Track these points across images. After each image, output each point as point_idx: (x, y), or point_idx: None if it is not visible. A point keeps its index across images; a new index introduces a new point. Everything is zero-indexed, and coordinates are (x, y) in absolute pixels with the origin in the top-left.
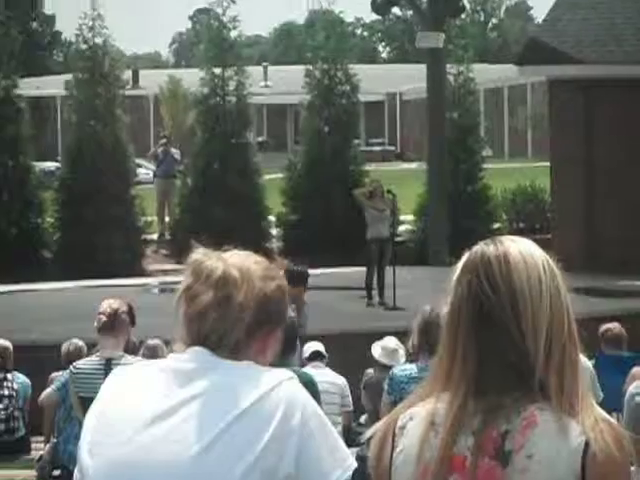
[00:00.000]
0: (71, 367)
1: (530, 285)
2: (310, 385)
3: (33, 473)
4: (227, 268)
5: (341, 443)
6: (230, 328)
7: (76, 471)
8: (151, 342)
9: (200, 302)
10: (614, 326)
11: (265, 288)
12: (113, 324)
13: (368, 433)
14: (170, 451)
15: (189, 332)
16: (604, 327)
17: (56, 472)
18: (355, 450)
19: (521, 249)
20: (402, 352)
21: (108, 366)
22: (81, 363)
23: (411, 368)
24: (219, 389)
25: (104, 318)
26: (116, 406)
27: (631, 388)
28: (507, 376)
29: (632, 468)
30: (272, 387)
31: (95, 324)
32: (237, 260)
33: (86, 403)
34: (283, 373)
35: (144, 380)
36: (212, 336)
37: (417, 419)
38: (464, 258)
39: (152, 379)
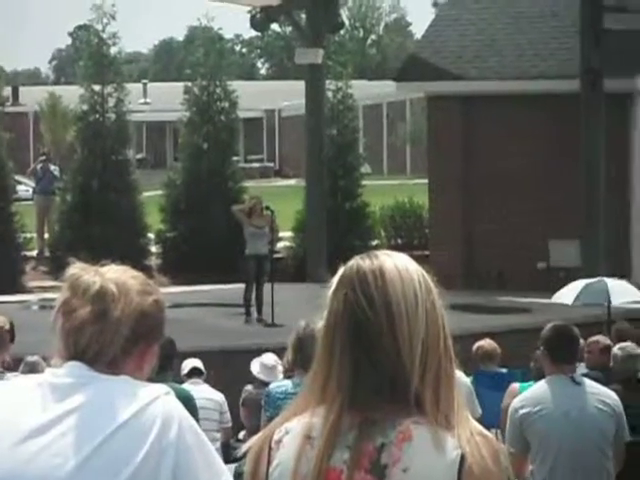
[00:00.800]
0: None
1: (406, 299)
2: (187, 401)
3: None
4: (104, 282)
5: (217, 458)
6: (107, 343)
7: None
8: (30, 359)
9: (77, 317)
10: (488, 343)
11: (143, 303)
12: None
13: (244, 448)
14: (47, 466)
15: (66, 346)
16: (478, 344)
17: None
18: (233, 466)
19: (397, 263)
20: (280, 368)
21: None
22: None
23: (287, 384)
24: (96, 404)
25: None
26: None
27: (515, 402)
28: (382, 390)
29: None
30: (149, 402)
31: None
32: (114, 275)
33: None
34: (160, 388)
35: (21, 395)
36: (89, 351)
37: (293, 433)
38: (340, 272)
39: (29, 394)
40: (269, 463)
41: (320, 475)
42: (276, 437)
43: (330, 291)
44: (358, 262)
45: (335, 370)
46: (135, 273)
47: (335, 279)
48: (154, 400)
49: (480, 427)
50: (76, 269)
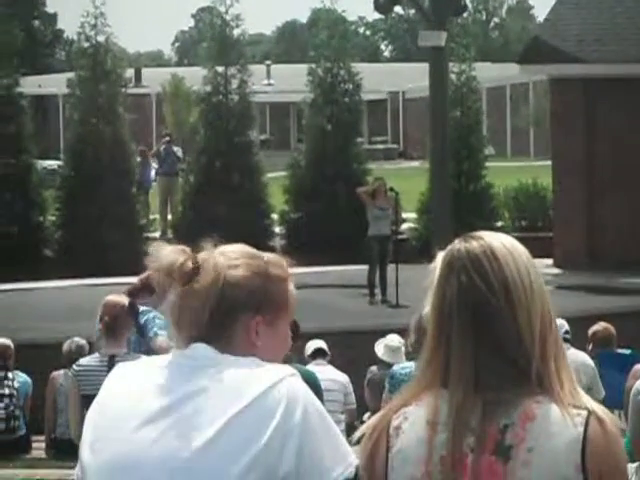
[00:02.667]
0: (74, 366)
1: (521, 277)
2: (312, 382)
3: (33, 472)
4: (218, 262)
5: (343, 440)
6: (227, 322)
7: (77, 468)
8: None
9: (195, 298)
10: (602, 327)
11: (259, 281)
12: (115, 321)
13: (358, 432)
14: (171, 447)
15: (186, 328)
16: (592, 329)
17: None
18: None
19: (504, 242)
20: (404, 350)
21: (111, 363)
22: (84, 361)
23: (411, 366)
24: (220, 386)
25: (106, 316)
26: (117, 402)
27: (637, 384)
28: (504, 371)
29: (634, 465)
30: (274, 383)
31: (97, 322)
32: (232, 254)
33: (90, 401)
34: (285, 369)
35: (145, 376)
36: (210, 331)
37: (413, 419)
38: (444, 256)
39: (153, 375)
40: (388, 449)
41: (450, 462)
42: (395, 423)
43: (438, 276)
44: (464, 245)
45: (455, 355)
46: (252, 252)
47: (440, 263)
48: (279, 382)
49: (596, 404)
50: (168, 250)
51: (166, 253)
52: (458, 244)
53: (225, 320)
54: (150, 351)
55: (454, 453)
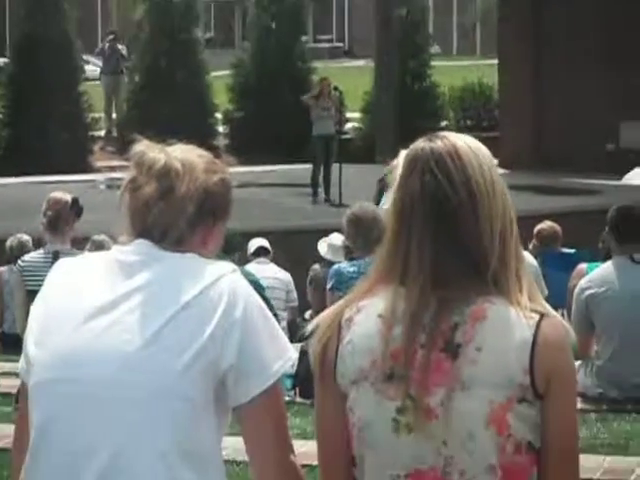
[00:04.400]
0: (19, 261)
1: (484, 177)
2: (252, 280)
3: None
4: (169, 160)
5: (282, 336)
6: (173, 220)
7: (22, 361)
8: (97, 237)
9: (143, 194)
10: (548, 225)
11: (208, 180)
12: (58, 217)
13: (311, 325)
14: (115, 341)
15: (133, 225)
16: (538, 227)
17: None
18: (299, 345)
19: (468, 143)
20: None
21: (56, 259)
22: (28, 257)
23: (359, 264)
24: (163, 281)
25: (49, 212)
26: (62, 297)
27: (581, 283)
28: (461, 270)
29: (577, 362)
30: (216, 279)
31: (41, 218)
32: (180, 153)
33: (34, 296)
34: (227, 266)
35: (89, 272)
36: (156, 228)
37: (366, 311)
38: (407, 155)
39: (97, 271)
40: (339, 340)
41: (405, 355)
42: (347, 315)
43: (400, 174)
44: (429, 144)
45: (414, 251)
46: (201, 152)
47: (402, 162)
48: (221, 277)
49: (550, 308)
50: (141, 146)
51: (147, 151)
52: (422, 143)
53: (189, 224)
54: None
55: (406, 347)
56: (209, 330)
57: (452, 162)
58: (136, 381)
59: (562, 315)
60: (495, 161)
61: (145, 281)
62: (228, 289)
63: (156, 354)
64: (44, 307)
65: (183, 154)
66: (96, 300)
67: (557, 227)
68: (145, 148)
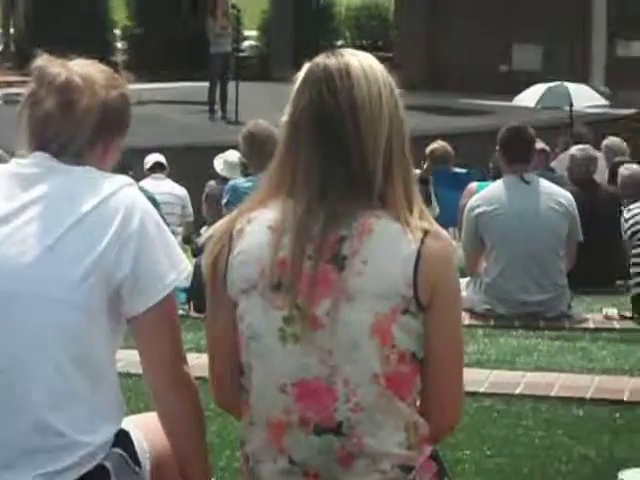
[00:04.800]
0: None
1: (371, 97)
2: (147, 195)
3: None
4: (70, 74)
5: (178, 249)
6: (73, 134)
7: None
8: None
9: (43, 107)
10: (440, 145)
11: (108, 95)
12: None
13: (203, 237)
14: (11, 252)
15: (32, 138)
16: (430, 147)
17: None
18: (196, 260)
19: (362, 62)
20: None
21: None
22: None
23: (253, 180)
24: (61, 193)
25: None
26: None
27: (471, 201)
28: (348, 185)
29: (463, 280)
30: (112, 192)
31: None
32: (80, 68)
33: None
34: (123, 179)
35: None
36: (55, 142)
37: (256, 223)
38: (305, 69)
39: None
40: (230, 251)
41: (292, 266)
42: (238, 226)
43: (295, 87)
44: (324, 60)
45: (302, 164)
46: (102, 67)
47: (300, 75)
48: (117, 190)
49: (437, 226)
50: (42, 61)
51: (48, 65)
52: (319, 58)
53: (89, 139)
54: None
55: (293, 258)
56: (105, 241)
57: (340, 80)
58: (30, 291)
59: (453, 234)
60: (392, 81)
61: (42, 193)
62: (125, 202)
63: (52, 264)
64: None
65: (84, 69)
66: None
67: (448, 147)
68: (46, 62)
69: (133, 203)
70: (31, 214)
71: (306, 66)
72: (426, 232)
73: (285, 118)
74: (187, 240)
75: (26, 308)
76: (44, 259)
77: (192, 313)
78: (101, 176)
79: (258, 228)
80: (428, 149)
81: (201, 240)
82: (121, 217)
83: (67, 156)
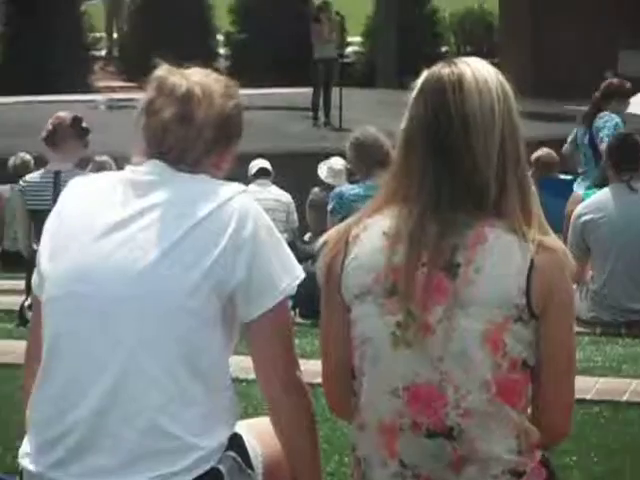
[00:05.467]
0: (20, 181)
1: (482, 109)
2: None
3: None
4: (190, 85)
5: (290, 254)
6: (191, 144)
7: (35, 275)
8: (99, 158)
9: (162, 116)
10: (545, 152)
11: (225, 106)
12: (55, 132)
13: (320, 241)
14: (128, 258)
15: (150, 146)
16: (535, 155)
17: None
18: (301, 266)
19: (476, 74)
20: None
21: (57, 179)
22: (30, 176)
23: (359, 187)
24: (176, 200)
25: (49, 127)
26: (76, 214)
27: (578, 209)
28: (462, 195)
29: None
30: (227, 199)
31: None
32: (199, 78)
33: (35, 215)
34: (237, 187)
35: (103, 190)
36: (173, 151)
37: (372, 229)
38: (422, 79)
39: (111, 189)
40: (345, 256)
41: (406, 272)
42: (354, 232)
43: (411, 96)
44: (440, 70)
45: (417, 174)
46: (218, 76)
47: (417, 85)
48: (232, 197)
49: (552, 235)
50: (162, 71)
51: (168, 75)
52: (435, 67)
53: (206, 148)
54: None
55: (408, 265)
56: (219, 248)
57: (452, 94)
58: (146, 297)
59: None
60: (508, 89)
61: (157, 200)
62: (238, 209)
63: (166, 271)
64: (58, 223)
65: (202, 79)
66: (109, 218)
67: (554, 154)
68: (166, 72)
69: (247, 210)
70: (147, 220)
71: (423, 75)
72: (540, 242)
73: (402, 126)
74: (291, 246)
75: (142, 312)
76: (160, 265)
77: (298, 319)
78: (215, 184)
79: (373, 235)
80: (533, 156)
81: (317, 244)
82: (235, 224)
83: (183, 165)
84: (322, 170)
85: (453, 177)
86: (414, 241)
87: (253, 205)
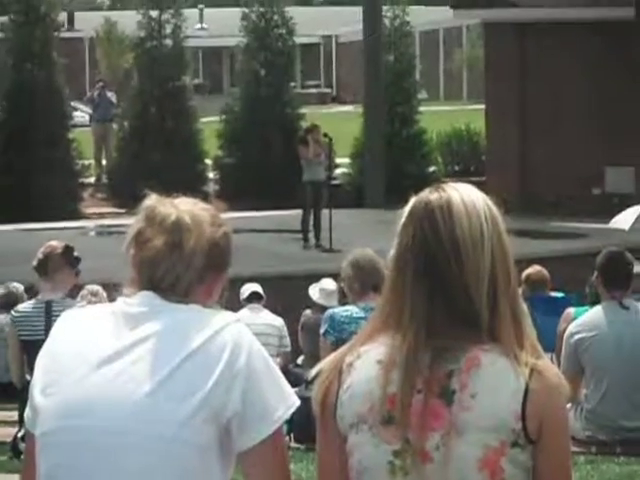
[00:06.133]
0: (12, 311)
1: (472, 234)
2: None
3: None
4: (180, 214)
5: (284, 382)
6: (182, 273)
7: (27, 410)
8: (91, 287)
9: (153, 247)
10: (535, 270)
11: (214, 234)
12: (46, 261)
13: (313, 371)
14: (121, 390)
15: (140, 276)
16: (526, 272)
17: None
18: (294, 390)
19: (464, 198)
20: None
21: (49, 309)
22: (21, 306)
23: (351, 309)
24: (168, 331)
25: (40, 255)
26: (68, 347)
27: (570, 327)
28: (455, 320)
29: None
30: (219, 329)
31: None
32: (187, 207)
33: (28, 346)
34: (229, 316)
35: (95, 322)
36: (164, 281)
37: (365, 357)
38: (410, 205)
39: (103, 322)
40: (340, 386)
41: (402, 400)
42: (348, 360)
43: (400, 223)
44: (427, 196)
45: (408, 300)
46: (205, 205)
47: (405, 211)
48: (224, 327)
49: (546, 359)
50: (152, 200)
51: (158, 205)
52: (423, 193)
53: (198, 277)
54: None
55: (403, 393)
56: (213, 379)
57: (442, 217)
58: (140, 429)
59: (551, 359)
60: (496, 212)
61: (150, 332)
62: (231, 338)
63: (160, 403)
64: (50, 358)
65: (190, 208)
66: (102, 351)
67: (545, 271)
68: (155, 202)
69: (240, 339)
70: (140, 352)
71: (411, 201)
72: (534, 366)
73: (391, 253)
74: (284, 371)
75: (136, 445)
76: (154, 396)
77: (292, 444)
78: (207, 313)
79: (367, 363)
80: (524, 274)
81: (311, 372)
82: (229, 353)
83: (175, 294)
84: (314, 292)
85: (445, 302)
86: (409, 369)
87: (246, 334)
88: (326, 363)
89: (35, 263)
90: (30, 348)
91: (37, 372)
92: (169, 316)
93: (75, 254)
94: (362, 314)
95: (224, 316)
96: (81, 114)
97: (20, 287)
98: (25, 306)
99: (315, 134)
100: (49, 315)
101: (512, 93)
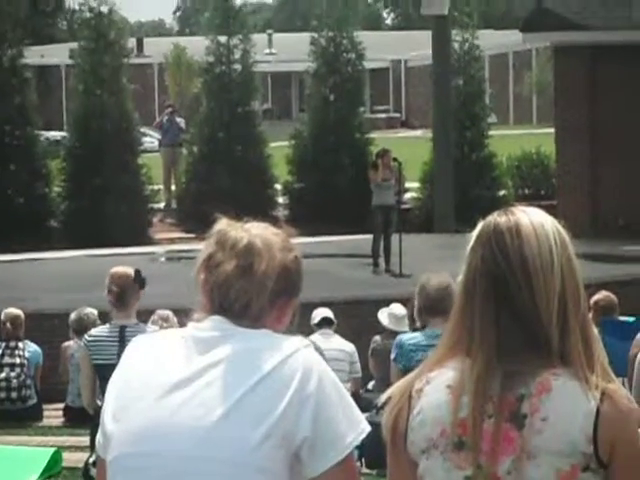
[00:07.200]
0: (85, 335)
1: (541, 256)
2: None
3: (46, 439)
4: (251, 238)
5: (355, 408)
6: (253, 297)
7: (99, 436)
8: (162, 312)
9: (223, 271)
10: (604, 295)
11: (285, 259)
12: (124, 292)
13: (383, 397)
14: (192, 416)
15: (211, 301)
16: (594, 298)
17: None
18: (365, 416)
19: (532, 220)
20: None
21: (122, 333)
22: (95, 332)
23: (418, 336)
24: (239, 356)
25: (114, 287)
26: (139, 373)
27: None
28: (525, 343)
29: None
30: (290, 354)
31: (106, 293)
32: (258, 231)
33: (101, 370)
34: (300, 341)
35: (166, 348)
36: (235, 305)
37: (435, 383)
38: (478, 228)
39: (174, 347)
40: (410, 411)
41: (473, 425)
42: (417, 386)
43: (469, 247)
44: (495, 218)
45: (477, 324)
46: (276, 230)
47: (474, 234)
48: (294, 352)
49: (617, 383)
50: (223, 225)
51: (229, 229)
52: (492, 217)
53: (269, 301)
54: None
55: (474, 418)
56: (283, 404)
57: (510, 240)
58: (211, 455)
59: (622, 384)
60: (565, 235)
61: (220, 357)
62: (302, 364)
63: (231, 428)
64: (121, 383)
65: (261, 232)
66: (172, 376)
67: (613, 297)
68: (227, 226)
69: (311, 365)
70: (211, 377)
71: (479, 224)
72: (605, 390)
73: (460, 277)
74: (355, 396)
75: (207, 470)
76: (225, 421)
77: (364, 469)
78: (277, 339)
79: (437, 388)
80: (592, 300)
81: (381, 398)
82: (299, 378)
83: (246, 319)
84: (383, 316)
85: (515, 326)
86: (479, 394)
87: (317, 359)
88: (395, 389)
89: (110, 295)
90: (103, 373)
91: (108, 397)
92: (240, 341)
93: (142, 276)
94: (430, 341)
95: (295, 341)
96: (150, 139)
97: (94, 313)
98: (99, 330)
99: (386, 159)
100: (122, 340)
101: (582, 117)
